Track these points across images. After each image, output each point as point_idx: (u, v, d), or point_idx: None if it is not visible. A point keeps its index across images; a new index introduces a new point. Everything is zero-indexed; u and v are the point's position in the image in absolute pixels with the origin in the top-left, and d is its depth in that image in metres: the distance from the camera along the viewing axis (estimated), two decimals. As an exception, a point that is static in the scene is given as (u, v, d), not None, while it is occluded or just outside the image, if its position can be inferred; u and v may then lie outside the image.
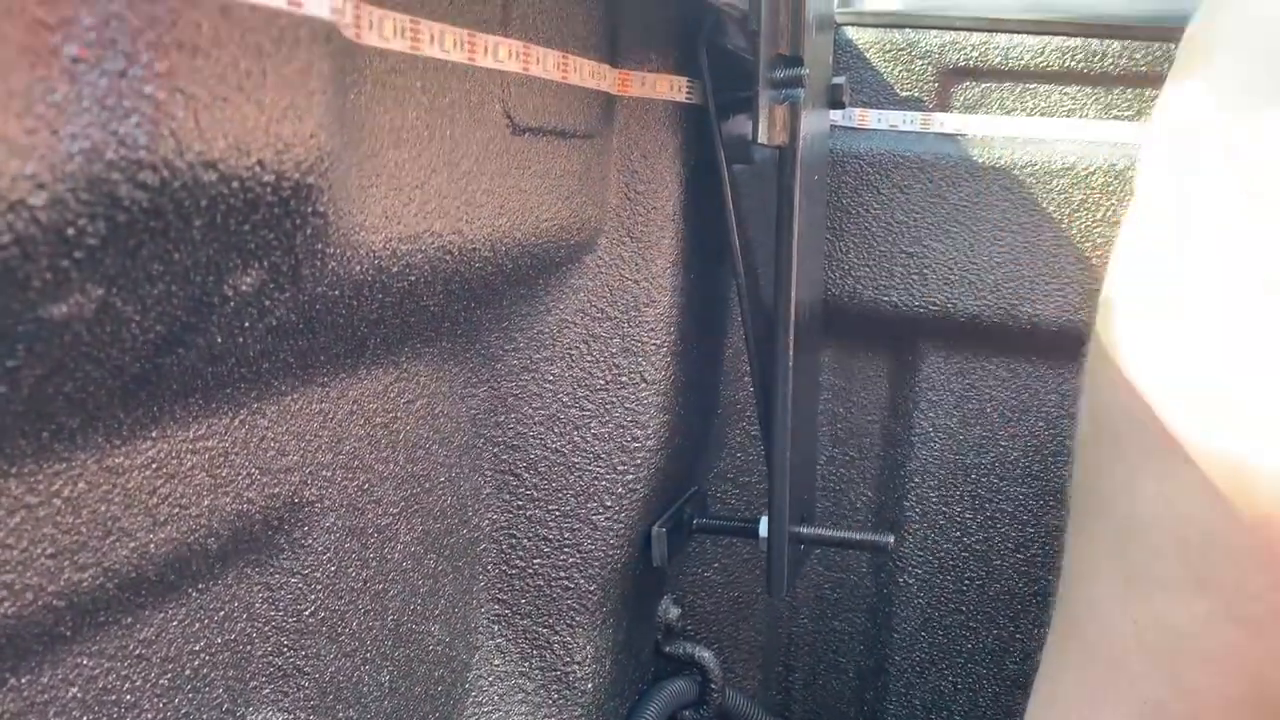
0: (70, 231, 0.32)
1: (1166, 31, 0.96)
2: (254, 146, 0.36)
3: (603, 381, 0.82)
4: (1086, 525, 0.67)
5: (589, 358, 0.82)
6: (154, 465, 0.48)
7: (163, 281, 0.37)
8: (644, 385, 0.83)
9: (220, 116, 0.35)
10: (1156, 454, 0.60)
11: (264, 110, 0.36)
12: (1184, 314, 0.59)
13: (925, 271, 1.02)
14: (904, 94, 1.02)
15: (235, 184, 0.36)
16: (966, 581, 1.09)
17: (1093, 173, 0.97)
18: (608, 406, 0.83)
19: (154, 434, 0.47)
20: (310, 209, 0.42)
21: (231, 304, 0.42)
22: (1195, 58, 0.64)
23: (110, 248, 0.33)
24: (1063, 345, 1.01)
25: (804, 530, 0.92)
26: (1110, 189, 0.97)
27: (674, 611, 1.01)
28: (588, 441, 0.83)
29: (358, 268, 0.51)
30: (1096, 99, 0.98)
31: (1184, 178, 0.62)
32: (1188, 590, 0.59)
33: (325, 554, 0.62)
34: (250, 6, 0.35)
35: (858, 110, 1.03)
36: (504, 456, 0.81)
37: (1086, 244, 0.98)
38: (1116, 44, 0.97)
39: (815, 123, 0.90)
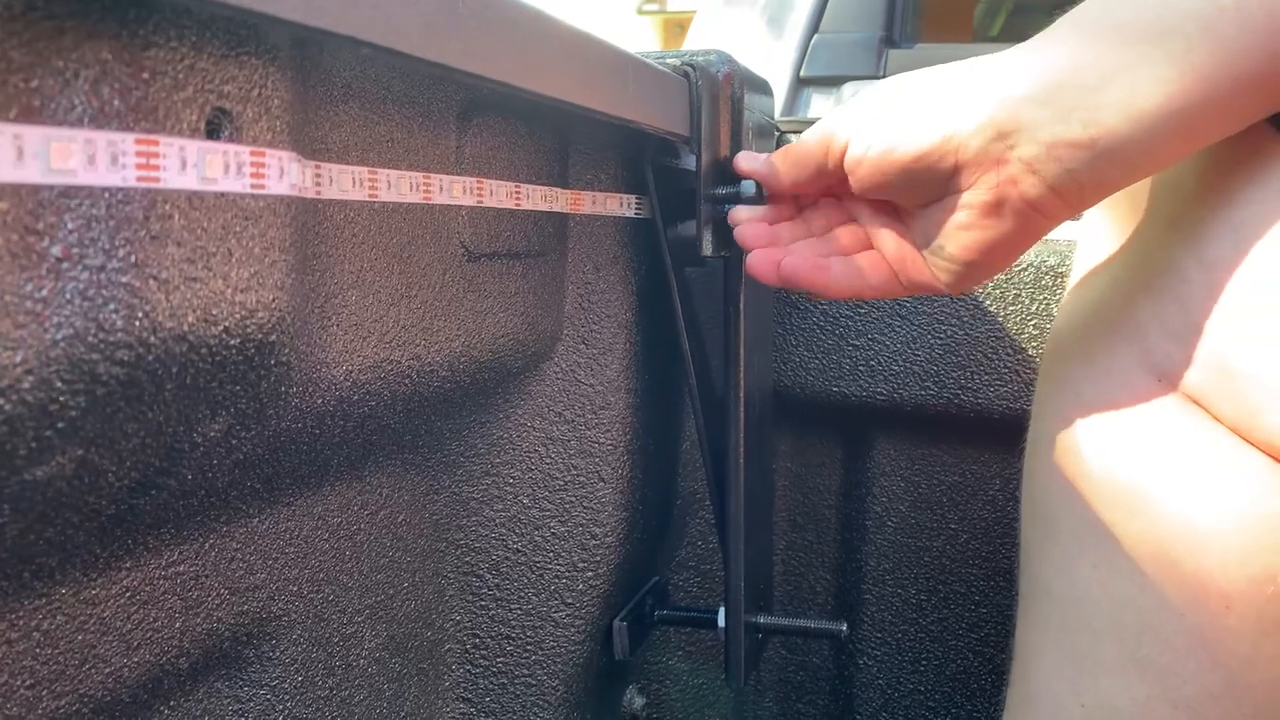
0: (54, 407, 0.35)
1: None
2: (220, 317, 0.40)
3: (561, 482, 0.86)
4: (1031, 608, 0.69)
5: (548, 460, 0.85)
6: (128, 594, 0.51)
7: (137, 437, 0.41)
8: (601, 484, 0.87)
9: (189, 294, 0.39)
10: (1089, 538, 0.62)
11: (229, 283, 0.41)
12: (1105, 401, 0.62)
13: (871, 363, 1.07)
14: (845, 196, 1.08)
15: (204, 350, 0.40)
16: (923, 662, 1.12)
17: (1024, 269, 1.03)
18: (567, 506, 0.86)
19: (128, 564, 0.51)
20: (273, 361, 0.46)
21: (201, 448, 0.46)
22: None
23: (89, 416, 0.37)
24: (1004, 432, 1.05)
25: (761, 620, 0.95)
26: (1041, 284, 1.02)
27: (639, 701, 1.04)
28: (548, 540, 0.86)
29: (319, 400, 0.54)
30: (1025, 199, 1.04)
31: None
32: (1127, 673, 0.61)
33: (292, 665, 0.65)
34: (216, 195, 0.39)
35: (802, 212, 1.08)
36: (466, 559, 0.84)
37: (1021, 335, 1.03)
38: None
39: (759, 229, 0.95)
